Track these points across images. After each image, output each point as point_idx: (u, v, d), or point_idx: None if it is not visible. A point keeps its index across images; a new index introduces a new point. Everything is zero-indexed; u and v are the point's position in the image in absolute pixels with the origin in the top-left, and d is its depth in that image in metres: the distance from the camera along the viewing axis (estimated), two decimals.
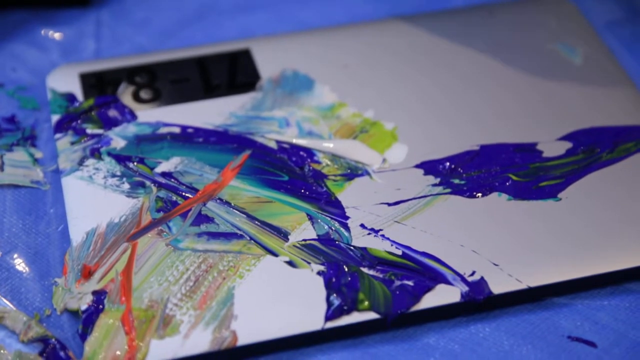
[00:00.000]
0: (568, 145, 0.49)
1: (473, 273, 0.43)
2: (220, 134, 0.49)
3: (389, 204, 0.46)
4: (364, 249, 0.44)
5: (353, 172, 0.47)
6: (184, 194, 0.46)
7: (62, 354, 0.41)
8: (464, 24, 0.55)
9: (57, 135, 0.48)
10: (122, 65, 0.52)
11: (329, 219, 0.45)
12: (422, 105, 0.50)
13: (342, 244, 0.44)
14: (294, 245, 0.44)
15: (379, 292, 0.42)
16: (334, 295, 0.42)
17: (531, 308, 0.44)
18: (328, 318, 0.42)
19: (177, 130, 0.49)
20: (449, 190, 0.46)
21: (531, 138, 0.49)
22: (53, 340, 0.42)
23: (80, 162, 0.47)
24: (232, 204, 0.46)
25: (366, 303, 0.42)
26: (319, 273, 0.43)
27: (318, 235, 0.45)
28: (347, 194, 0.46)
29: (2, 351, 0.41)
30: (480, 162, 0.48)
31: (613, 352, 0.42)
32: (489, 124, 0.49)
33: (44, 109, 0.51)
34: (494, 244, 0.44)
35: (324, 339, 0.42)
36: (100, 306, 0.42)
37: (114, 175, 0.47)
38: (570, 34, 0.54)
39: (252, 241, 0.44)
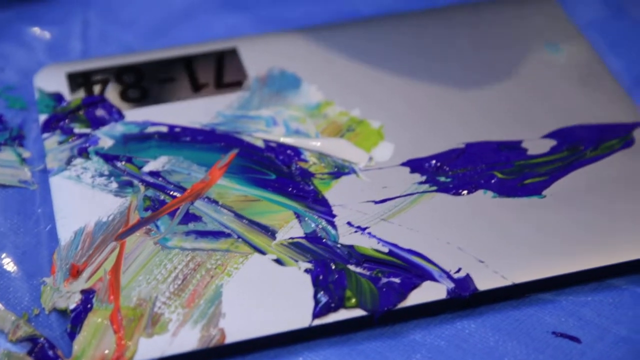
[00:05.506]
0: (552, 142, 0.49)
1: (459, 270, 0.43)
2: (208, 133, 0.49)
3: (376, 202, 0.46)
4: (351, 246, 0.44)
5: (340, 170, 0.48)
6: (171, 192, 0.46)
7: (50, 353, 0.41)
8: (449, 22, 0.55)
9: (45, 135, 0.49)
10: (109, 65, 0.52)
11: (316, 217, 0.45)
12: (408, 103, 0.51)
13: (329, 242, 0.44)
14: (282, 244, 0.44)
15: (366, 289, 0.43)
16: (322, 292, 0.42)
17: (516, 304, 0.44)
18: (315, 315, 0.42)
19: (164, 129, 0.49)
20: (435, 188, 0.47)
21: (516, 136, 0.49)
22: (42, 339, 0.42)
23: (68, 162, 0.47)
24: (220, 203, 0.46)
25: (353, 300, 0.42)
26: (306, 271, 0.43)
27: (305, 234, 0.45)
28: (334, 192, 0.47)
29: None
30: (466, 159, 0.48)
31: (597, 347, 0.43)
32: (474, 122, 0.50)
33: (32, 108, 0.51)
34: (480, 241, 0.44)
35: (312, 337, 0.42)
36: (89, 305, 0.42)
37: (101, 175, 0.47)
38: (554, 32, 0.55)
39: (240, 239, 0.44)
